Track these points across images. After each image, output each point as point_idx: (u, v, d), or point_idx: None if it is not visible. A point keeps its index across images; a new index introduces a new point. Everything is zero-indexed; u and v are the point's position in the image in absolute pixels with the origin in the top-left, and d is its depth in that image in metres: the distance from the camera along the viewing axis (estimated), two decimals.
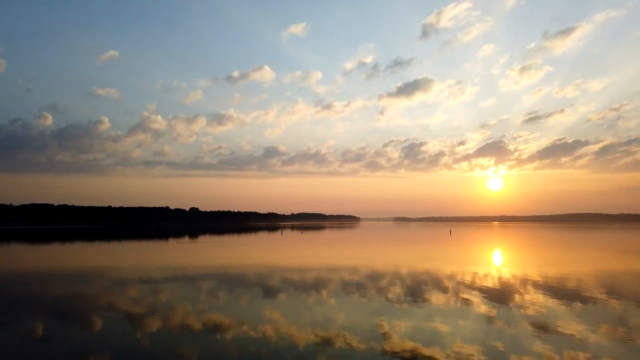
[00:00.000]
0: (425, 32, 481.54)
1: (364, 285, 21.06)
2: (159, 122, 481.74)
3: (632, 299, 17.23)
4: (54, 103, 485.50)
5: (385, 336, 11.85)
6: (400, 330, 12.51)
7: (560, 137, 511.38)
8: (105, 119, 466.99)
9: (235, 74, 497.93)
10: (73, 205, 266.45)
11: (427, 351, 10.51)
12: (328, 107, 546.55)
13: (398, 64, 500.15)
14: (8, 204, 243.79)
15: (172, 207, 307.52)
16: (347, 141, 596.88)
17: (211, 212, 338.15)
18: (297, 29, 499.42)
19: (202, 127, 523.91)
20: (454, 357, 10.04)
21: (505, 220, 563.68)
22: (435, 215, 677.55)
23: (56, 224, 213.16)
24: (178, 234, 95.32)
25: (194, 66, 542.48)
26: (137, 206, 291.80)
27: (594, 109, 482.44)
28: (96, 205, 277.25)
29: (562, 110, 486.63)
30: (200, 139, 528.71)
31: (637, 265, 29.62)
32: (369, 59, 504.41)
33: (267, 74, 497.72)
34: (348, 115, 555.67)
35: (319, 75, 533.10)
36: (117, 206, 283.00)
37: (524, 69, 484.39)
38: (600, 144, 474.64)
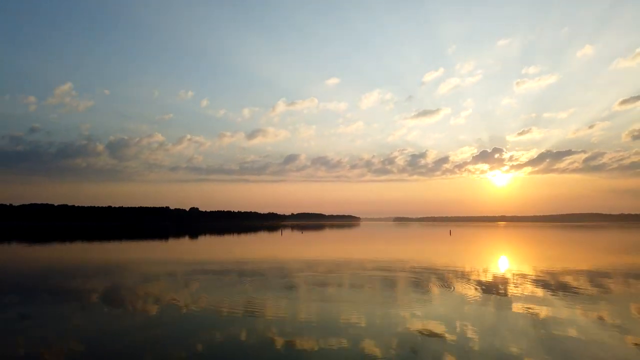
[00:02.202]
0: (432, 80, 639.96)
1: (372, 277, 22.18)
2: (201, 137, 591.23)
3: (610, 290, 18.61)
4: (125, 126, 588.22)
5: (394, 316, 13.35)
6: (407, 311, 13.93)
7: (551, 147, 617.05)
8: (158, 135, 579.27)
9: (281, 103, 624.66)
10: (73, 205, 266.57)
11: (433, 327, 11.95)
12: (350, 125, 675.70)
13: (410, 97, 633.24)
14: (8, 204, 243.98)
15: (172, 207, 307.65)
16: (363, 150, 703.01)
17: (211, 212, 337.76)
18: (332, 81, 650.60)
19: (240, 140, 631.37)
20: (451, 331, 11.36)
21: (506, 220, 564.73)
22: (435, 216, 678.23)
23: (55, 223, 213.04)
24: (179, 233, 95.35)
25: (249, 100, 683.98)
26: (137, 206, 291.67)
27: (575, 128, 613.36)
28: (96, 206, 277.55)
29: (550, 127, 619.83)
30: (234, 149, 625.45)
31: (618, 261, 30.83)
32: (386, 96, 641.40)
33: (312, 103, 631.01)
34: (366, 133, 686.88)
35: (346, 105, 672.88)
36: (116, 206, 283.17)
37: (514, 100, 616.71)
38: (587, 154, 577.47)
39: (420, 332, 11.56)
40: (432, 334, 11.35)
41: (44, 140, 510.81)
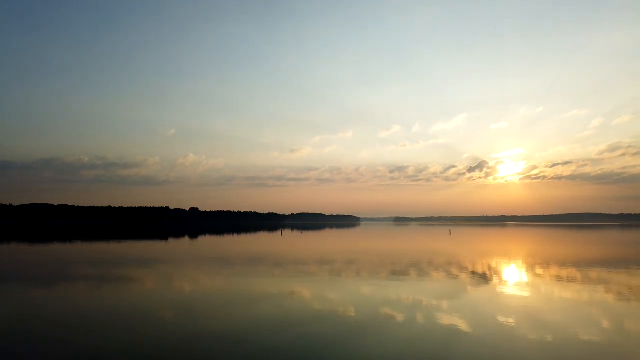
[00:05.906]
0: (433, 122, 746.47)
1: (377, 272, 25.13)
2: (242, 154, 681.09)
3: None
4: (195, 150, 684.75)
5: (402, 298, 15.28)
6: (413, 294, 16.16)
7: (541, 158, 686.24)
8: (212, 155, 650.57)
9: (324, 133, 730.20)
10: (73, 205, 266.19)
11: (439, 304, 14.05)
12: (370, 148, 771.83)
13: (418, 131, 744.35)
14: (8, 204, 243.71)
15: (172, 207, 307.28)
16: (378, 164, 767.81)
17: (210, 212, 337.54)
18: (355, 128, 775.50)
19: (275, 157, 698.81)
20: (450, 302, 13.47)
21: (506, 219, 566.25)
22: (435, 216, 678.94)
23: (55, 224, 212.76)
24: (179, 234, 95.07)
25: (295, 134, 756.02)
26: (137, 206, 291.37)
27: (559, 145, 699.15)
28: (96, 206, 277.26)
29: (535, 147, 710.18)
30: (266, 163, 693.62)
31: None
32: (398, 130, 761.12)
33: (348, 134, 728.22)
34: (378, 152, 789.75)
35: (369, 135, 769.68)
36: (116, 206, 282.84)
37: (497, 133, 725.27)
38: (573, 165, 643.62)
39: (425, 305, 13.58)
40: (433, 306, 13.34)
41: (114, 156, 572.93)
